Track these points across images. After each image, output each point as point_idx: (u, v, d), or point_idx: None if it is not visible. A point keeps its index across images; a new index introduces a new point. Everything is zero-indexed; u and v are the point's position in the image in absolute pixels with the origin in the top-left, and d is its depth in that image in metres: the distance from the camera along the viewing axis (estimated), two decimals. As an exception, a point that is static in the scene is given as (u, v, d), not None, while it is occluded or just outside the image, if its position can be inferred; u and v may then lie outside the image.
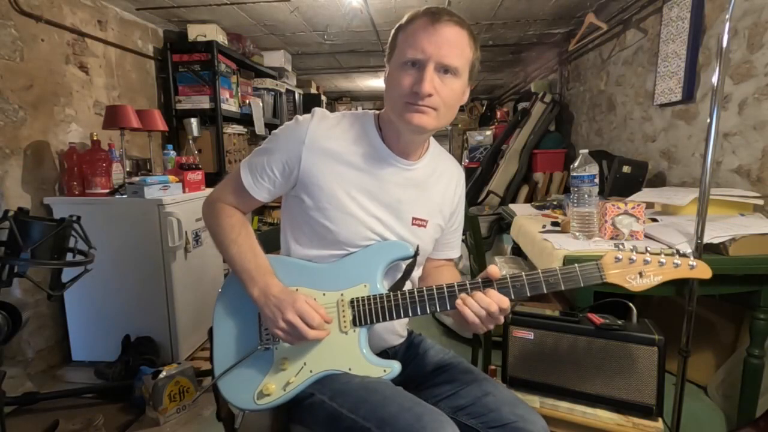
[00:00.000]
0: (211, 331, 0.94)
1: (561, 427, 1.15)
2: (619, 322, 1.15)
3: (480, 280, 0.81)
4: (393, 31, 0.86)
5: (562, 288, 0.79)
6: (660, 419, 1.11)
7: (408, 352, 1.00)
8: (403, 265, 0.91)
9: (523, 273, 0.80)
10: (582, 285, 0.79)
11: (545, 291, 0.80)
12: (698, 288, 1.28)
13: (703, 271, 0.79)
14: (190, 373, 1.79)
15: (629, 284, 0.79)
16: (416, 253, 0.89)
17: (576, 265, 0.80)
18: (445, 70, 0.80)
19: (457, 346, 2.31)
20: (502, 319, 0.79)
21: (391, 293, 0.85)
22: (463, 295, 0.79)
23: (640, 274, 0.79)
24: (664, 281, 0.79)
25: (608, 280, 0.79)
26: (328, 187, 0.87)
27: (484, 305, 0.76)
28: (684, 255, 0.80)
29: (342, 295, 0.87)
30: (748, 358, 1.37)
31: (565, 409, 1.16)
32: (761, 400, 1.41)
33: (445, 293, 0.82)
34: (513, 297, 0.80)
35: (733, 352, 1.74)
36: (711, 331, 1.82)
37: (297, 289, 0.87)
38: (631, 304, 1.19)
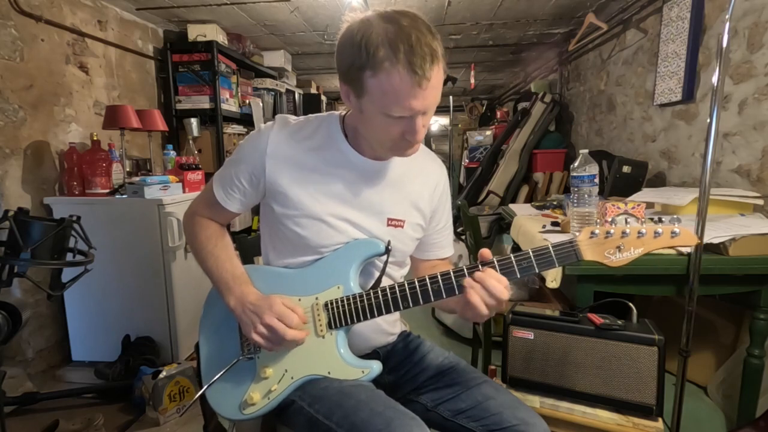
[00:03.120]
0: (197, 346, 0.96)
1: (561, 427, 1.15)
2: (619, 322, 1.15)
3: (451, 271, 0.79)
4: (354, 65, 0.73)
5: (537, 271, 0.76)
6: (660, 419, 1.11)
7: (405, 354, 0.99)
8: (378, 262, 0.90)
9: (494, 259, 0.77)
10: (557, 265, 0.76)
11: (519, 275, 0.76)
12: (698, 288, 1.28)
13: (687, 238, 0.73)
14: (190, 373, 1.79)
15: (608, 260, 0.75)
16: (388, 249, 0.87)
17: (549, 245, 0.75)
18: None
19: (457, 346, 2.31)
20: (504, 305, 0.76)
21: (365, 292, 0.84)
22: (468, 279, 0.76)
23: (619, 248, 0.74)
24: (645, 253, 0.74)
25: (585, 258, 0.75)
26: (294, 194, 0.86)
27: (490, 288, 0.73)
28: (666, 223, 0.74)
29: (317, 299, 0.86)
30: (748, 358, 1.37)
31: (565, 409, 1.16)
32: (761, 400, 1.41)
33: (417, 288, 0.80)
34: None
35: (733, 352, 1.74)
36: (711, 331, 1.82)
37: (275, 295, 0.87)
38: (631, 304, 1.19)
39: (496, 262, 0.77)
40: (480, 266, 0.77)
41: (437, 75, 0.73)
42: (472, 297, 0.74)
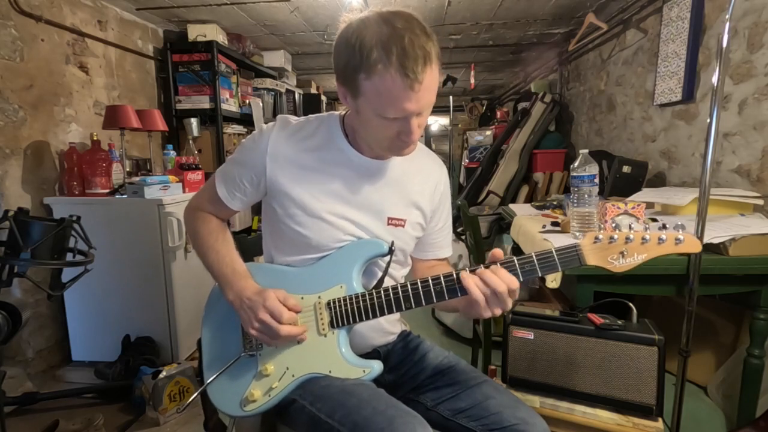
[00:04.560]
0: (200, 342, 0.96)
1: (561, 427, 1.15)
2: (619, 322, 1.15)
3: (454, 271, 0.79)
4: (349, 67, 0.74)
5: (540, 274, 0.76)
6: (660, 419, 1.11)
7: (405, 354, 1.00)
8: (381, 262, 0.90)
9: (498, 261, 0.77)
10: (560, 270, 0.76)
11: (522, 279, 0.76)
12: (698, 288, 1.28)
13: (691, 244, 0.73)
14: (190, 373, 1.79)
15: (611, 265, 0.74)
16: (391, 250, 0.87)
17: (552, 249, 0.75)
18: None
19: (457, 346, 2.31)
20: (510, 304, 0.76)
21: (367, 292, 0.84)
22: (467, 272, 0.76)
23: (623, 253, 0.74)
24: (649, 259, 0.74)
25: (588, 263, 0.74)
26: (296, 194, 0.87)
27: (492, 284, 0.73)
28: (670, 230, 0.73)
29: (319, 297, 0.87)
30: (748, 358, 1.37)
31: (565, 409, 1.16)
32: (761, 400, 1.41)
33: (420, 289, 0.81)
34: None
35: (733, 352, 1.74)
36: (711, 331, 1.82)
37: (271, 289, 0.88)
38: (631, 304, 1.19)
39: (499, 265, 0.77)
40: (483, 266, 0.77)
41: (430, 77, 0.73)
42: (467, 283, 0.74)
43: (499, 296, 0.73)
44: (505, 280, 0.73)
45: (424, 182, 0.96)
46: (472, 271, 0.76)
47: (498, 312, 0.76)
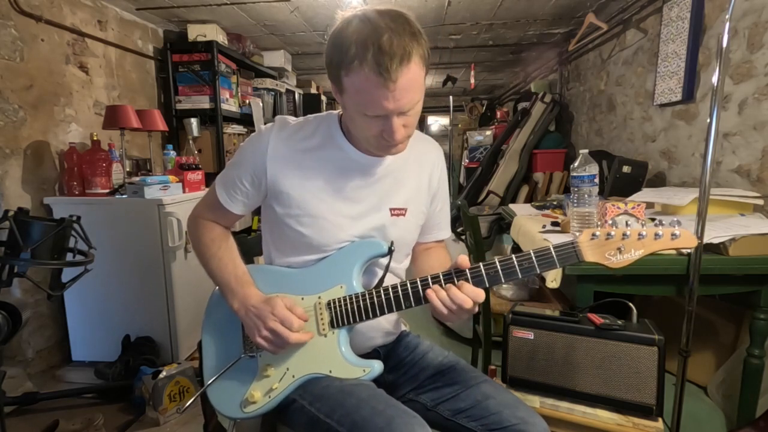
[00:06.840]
0: (200, 344, 0.97)
1: (561, 427, 1.15)
2: (619, 322, 1.15)
3: (453, 271, 0.79)
4: (333, 64, 0.75)
5: (538, 271, 0.76)
6: (660, 419, 1.11)
7: (405, 354, 1.00)
8: (381, 262, 0.90)
9: (496, 259, 0.78)
10: (558, 266, 0.76)
11: (520, 276, 0.77)
12: (698, 288, 1.28)
13: (687, 239, 0.74)
14: (190, 373, 1.79)
15: (609, 261, 0.75)
16: (390, 250, 0.88)
17: (551, 246, 0.76)
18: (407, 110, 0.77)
19: (457, 346, 2.31)
20: (476, 310, 0.78)
21: (367, 292, 0.84)
22: (436, 287, 0.78)
23: (620, 249, 0.74)
24: (646, 254, 0.74)
25: (586, 259, 0.75)
26: (297, 194, 0.87)
27: (458, 301, 0.75)
28: (666, 225, 0.75)
29: (319, 298, 0.87)
30: (748, 358, 1.37)
31: (565, 409, 1.16)
32: (761, 400, 1.41)
33: (420, 288, 0.81)
34: (488, 284, 0.78)
35: (733, 352, 1.74)
36: (711, 331, 1.82)
37: (277, 296, 0.88)
38: (631, 304, 1.19)
39: (482, 268, 0.78)
40: (455, 277, 0.78)
41: (407, 76, 0.72)
42: (432, 298, 0.78)
43: (465, 311, 0.77)
44: (470, 295, 0.76)
45: (421, 169, 0.96)
46: (437, 282, 0.79)
47: (464, 317, 0.79)
